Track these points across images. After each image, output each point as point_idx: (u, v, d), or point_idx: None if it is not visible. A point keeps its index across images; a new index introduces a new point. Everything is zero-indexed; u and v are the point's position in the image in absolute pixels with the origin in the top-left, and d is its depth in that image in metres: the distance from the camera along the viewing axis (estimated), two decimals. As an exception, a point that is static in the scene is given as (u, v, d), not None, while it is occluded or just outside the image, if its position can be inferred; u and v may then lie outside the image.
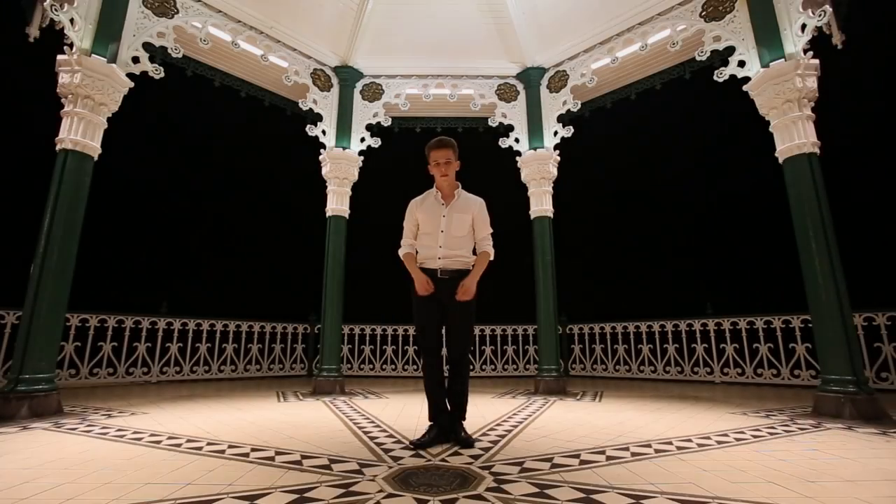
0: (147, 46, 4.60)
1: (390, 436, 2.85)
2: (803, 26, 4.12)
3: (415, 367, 7.94)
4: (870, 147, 7.69)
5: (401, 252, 2.84)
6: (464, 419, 2.73)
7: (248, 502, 1.64)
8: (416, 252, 2.82)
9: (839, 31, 4.38)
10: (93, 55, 4.04)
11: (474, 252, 2.81)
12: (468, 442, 2.56)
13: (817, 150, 4.00)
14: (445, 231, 2.74)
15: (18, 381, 3.42)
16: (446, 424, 2.65)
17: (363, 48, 6.11)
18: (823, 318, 3.74)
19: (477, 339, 8.11)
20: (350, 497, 1.70)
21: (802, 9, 4.14)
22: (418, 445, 2.51)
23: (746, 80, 4.43)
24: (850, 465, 2.16)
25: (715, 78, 4.71)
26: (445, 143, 2.81)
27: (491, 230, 2.84)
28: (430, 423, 2.69)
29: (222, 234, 10.51)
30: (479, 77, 6.33)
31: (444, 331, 2.75)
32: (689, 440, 2.72)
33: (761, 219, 8.98)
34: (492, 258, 2.80)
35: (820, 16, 4.06)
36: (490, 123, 6.35)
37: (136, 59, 4.47)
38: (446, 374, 2.75)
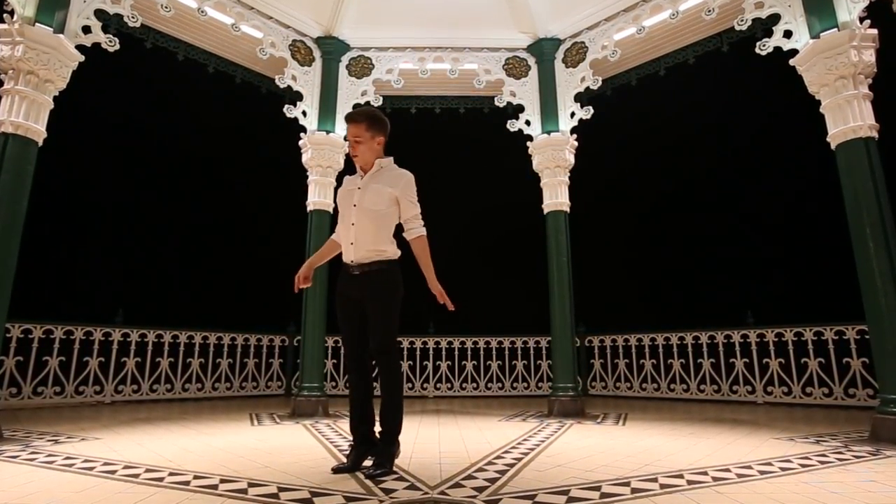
0: (100, 14, 4.59)
1: (381, 465, 2.85)
2: (860, -10, 4.12)
3: (409, 384, 7.94)
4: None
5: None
6: (392, 444, 2.64)
7: (216, 542, 1.64)
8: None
9: (901, -5, 4.37)
10: (37, 24, 4.03)
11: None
12: (373, 475, 2.48)
13: (875, 134, 4.00)
14: (358, 204, 2.72)
15: (-49, 402, 3.42)
16: (371, 436, 2.74)
17: (350, 16, 6.11)
18: (883, 329, 3.74)
19: (482, 352, 8.13)
20: (334, 535, 1.70)
21: (858, -30, 4.15)
22: (337, 470, 2.60)
23: (793, 52, 4.43)
24: (913, 499, 2.16)
25: (757, 51, 4.71)
26: (355, 117, 2.77)
27: (419, 209, 2.82)
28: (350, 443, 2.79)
29: (185, 231, 10.51)
30: (485, 49, 6.33)
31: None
32: (728, 469, 2.72)
33: (811, 214, 8.97)
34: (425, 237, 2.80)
35: (879, -22, 4.06)
36: (497, 103, 6.34)
37: (87, 30, 4.46)
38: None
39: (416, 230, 2.78)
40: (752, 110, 9.60)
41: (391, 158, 2.88)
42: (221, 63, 6.06)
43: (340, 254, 2.85)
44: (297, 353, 6.68)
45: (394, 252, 2.76)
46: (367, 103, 6.25)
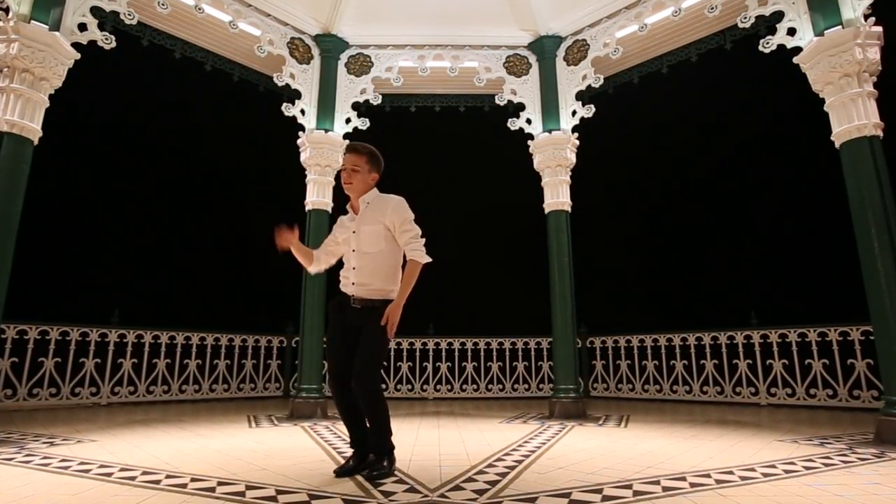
0: (96, 11, 4.60)
1: (380, 467, 2.85)
2: (864, -13, 4.13)
3: (409, 386, 7.95)
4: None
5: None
6: (381, 453, 2.67)
7: (214, 545, 1.65)
8: (323, 258, 3.01)
9: (906, -7, 4.38)
10: (32, 21, 4.04)
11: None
12: (371, 476, 2.53)
13: (880, 133, 4.01)
14: (357, 250, 2.78)
15: (-55, 404, 3.43)
16: (368, 438, 2.75)
17: (348, 13, 6.11)
18: (887, 330, 3.75)
19: (482, 354, 8.13)
20: (333, 538, 1.70)
21: (863, -33, 4.15)
22: (339, 473, 2.63)
23: (797, 50, 4.44)
24: (918, 502, 2.16)
25: (760, 48, 4.72)
26: (358, 148, 2.87)
27: (417, 230, 2.77)
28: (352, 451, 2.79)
29: (182, 230, 10.50)
30: (485, 47, 6.34)
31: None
32: (731, 472, 2.73)
33: (815, 213, 8.98)
34: (425, 261, 2.73)
35: (883, -25, 4.07)
36: (497, 101, 6.35)
37: (82, 27, 4.47)
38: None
39: (412, 253, 2.74)
40: (755, 109, 9.60)
41: (375, 190, 2.87)
42: (219, 61, 6.07)
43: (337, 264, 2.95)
44: (296, 355, 6.68)
45: (394, 288, 2.78)
46: (367, 101, 6.27)
